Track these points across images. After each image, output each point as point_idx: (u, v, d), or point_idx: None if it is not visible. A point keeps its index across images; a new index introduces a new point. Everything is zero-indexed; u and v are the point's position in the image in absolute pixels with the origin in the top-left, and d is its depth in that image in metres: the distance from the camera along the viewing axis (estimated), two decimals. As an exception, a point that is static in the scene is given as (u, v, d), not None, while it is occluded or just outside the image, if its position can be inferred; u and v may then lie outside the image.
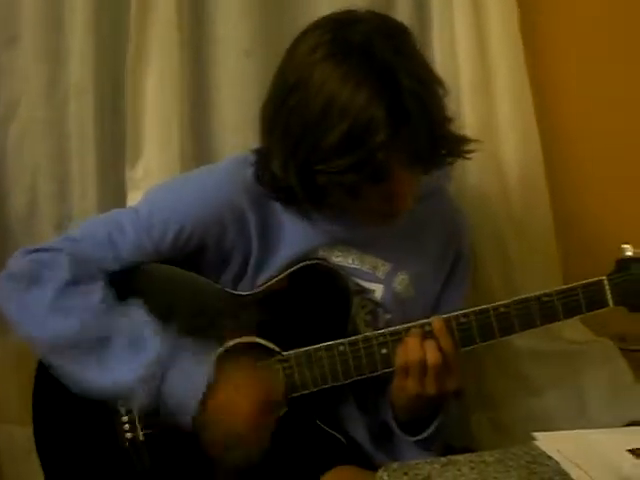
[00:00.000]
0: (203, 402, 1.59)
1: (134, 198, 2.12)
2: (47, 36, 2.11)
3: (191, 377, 1.60)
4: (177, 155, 2.14)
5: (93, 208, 2.16)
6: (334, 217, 1.73)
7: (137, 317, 1.65)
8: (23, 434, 1.94)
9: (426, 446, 1.73)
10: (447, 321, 1.68)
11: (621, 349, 2.27)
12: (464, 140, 1.64)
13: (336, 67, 1.53)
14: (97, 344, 1.61)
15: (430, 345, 1.64)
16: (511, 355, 2.20)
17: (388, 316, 1.79)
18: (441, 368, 1.63)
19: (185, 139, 2.16)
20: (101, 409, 1.69)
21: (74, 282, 1.66)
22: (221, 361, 1.65)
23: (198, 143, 2.20)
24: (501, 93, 2.22)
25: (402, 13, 2.17)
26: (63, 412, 1.74)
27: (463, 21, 2.17)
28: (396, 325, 1.73)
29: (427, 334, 1.66)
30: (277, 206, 1.74)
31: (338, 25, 1.59)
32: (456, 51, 2.18)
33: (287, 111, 1.58)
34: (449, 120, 1.60)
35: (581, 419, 2.18)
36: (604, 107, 2.27)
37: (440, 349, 1.64)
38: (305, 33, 1.62)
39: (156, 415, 1.61)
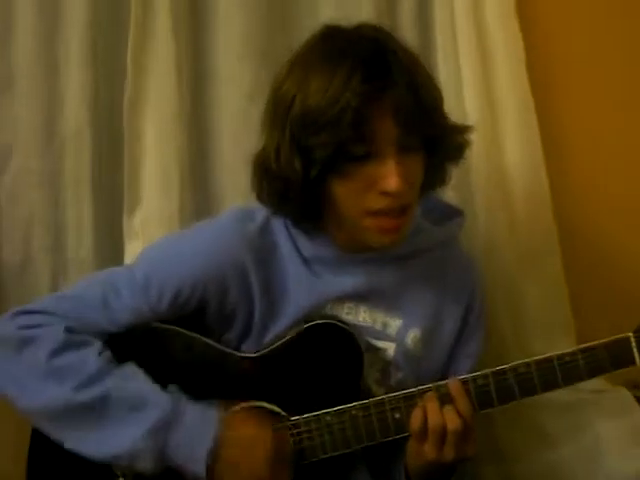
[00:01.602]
0: (210, 460, 1.54)
1: (133, 248, 2.07)
2: (42, 82, 2.07)
3: (196, 436, 1.55)
4: (177, 203, 2.09)
5: (89, 258, 2.11)
6: (345, 270, 1.68)
7: (135, 380, 1.60)
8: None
9: None
10: (465, 383, 1.61)
11: (636, 397, 2.21)
12: (459, 127, 1.65)
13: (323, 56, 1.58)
14: (94, 409, 1.56)
15: (449, 410, 1.58)
16: (524, 405, 2.12)
17: (400, 374, 1.74)
18: (460, 434, 1.57)
19: (185, 186, 2.11)
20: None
21: (67, 346, 1.60)
22: (227, 421, 1.59)
23: (199, 190, 2.15)
24: (510, 133, 2.19)
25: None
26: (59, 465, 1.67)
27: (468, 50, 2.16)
28: (408, 383, 1.68)
29: (443, 397, 1.60)
30: (280, 262, 1.69)
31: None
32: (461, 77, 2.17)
33: (274, 105, 1.63)
34: (438, 101, 1.61)
35: (598, 471, 2.13)
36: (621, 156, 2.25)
37: (459, 414, 1.58)
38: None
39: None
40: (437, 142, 1.61)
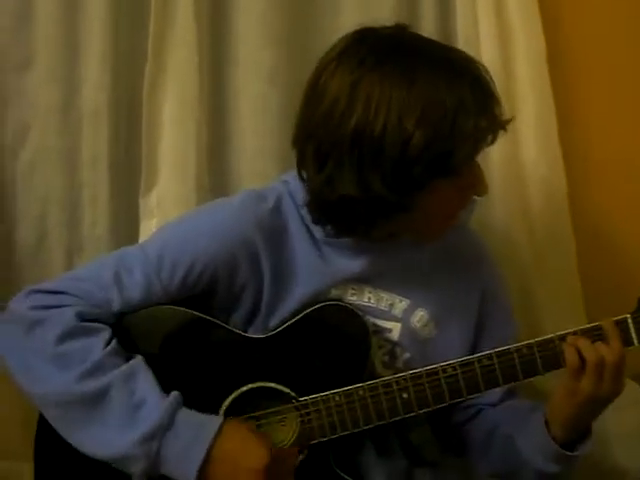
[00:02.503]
0: (200, 476, 1.52)
1: (147, 227, 2.08)
2: (61, 60, 2.07)
3: (189, 449, 1.52)
4: (193, 184, 2.09)
5: (105, 237, 2.12)
6: (351, 251, 1.68)
7: (138, 379, 1.58)
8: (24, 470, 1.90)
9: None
10: (471, 364, 1.62)
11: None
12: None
13: (389, 73, 1.51)
14: (93, 402, 1.54)
15: (604, 345, 1.58)
16: (529, 391, 2.12)
17: (407, 355, 1.73)
18: (617, 366, 1.56)
19: (202, 167, 2.11)
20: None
21: (75, 332, 1.59)
22: (226, 433, 1.56)
23: (215, 172, 2.16)
24: (526, 129, 2.19)
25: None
26: (67, 450, 1.62)
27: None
28: (415, 364, 1.68)
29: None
30: (290, 243, 1.69)
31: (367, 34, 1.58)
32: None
33: (352, 132, 1.51)
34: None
35: (604, 464, 2.12)
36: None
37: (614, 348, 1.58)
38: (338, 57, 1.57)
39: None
40: None
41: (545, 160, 2.21)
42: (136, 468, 1.53)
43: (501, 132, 1.59)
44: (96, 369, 1.55)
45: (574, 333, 1.61)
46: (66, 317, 1.59)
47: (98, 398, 1.54)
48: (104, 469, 1.58)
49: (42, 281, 1.70)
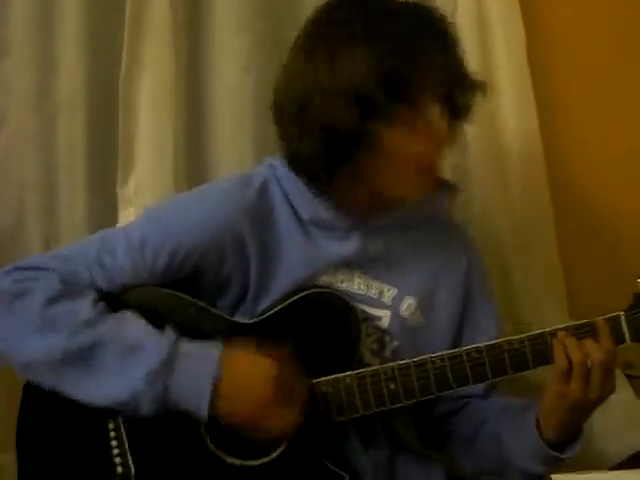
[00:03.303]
0: (213, 397, 1.52)
1: (126, 215, 2.07)
2: (37, 45, 2.05)
3: (197, 375, 1.54)
4: (171, 170, 2.08)
5: (82, 223, 2.11)
6: (340, 235, 1.69)
7: (131, 323, 1.59)
8: (6, 462, 1.87)
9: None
10: (460, 356, 1.62)
11: (627, 376, 2.22)
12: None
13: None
14: (91, 353, 1.55)
15: (591, 344, 1.57)
16: (519, 385, 2.14)
17: (396, 343, 1.73)
18: (605, 366, 1.56)
19: (179, 154, 2.11)
20: (91, 439, 1.63)
21: (61, 296, 1.59)
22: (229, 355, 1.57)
23: (193, 158, 2.15)
24: (506, 100, 2.20)
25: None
26: (49, 440, 1.66)
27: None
28: (403, 353, 1.69)
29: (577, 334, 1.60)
30: (276, 227, 1.69)
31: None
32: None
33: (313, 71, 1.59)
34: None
35: (587, 448, 2.14)
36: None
37: (601, 347, 1.57)
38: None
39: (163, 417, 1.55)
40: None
41: (525, 142, 2.22)
42: (145, 408, 1.53)
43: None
44: (86, 325, 1.56)
45: (565, 329, 1.61)
46: (50, 283, 1.60)
47: (93, 349, 1.55)
48: (88, 456, 1.61)
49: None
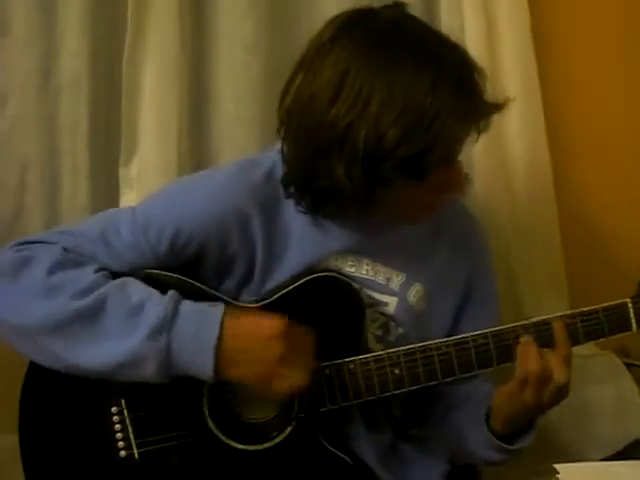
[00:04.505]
0: (217, 354, 1.51)
1: (128, 198, 2.06)
2: (39, 26, 2.03)
3: (202, 317, 1.54)
4: (174, 153, 2.07)
5: (84, 206, 2.09)
6: (349, 223, 1.68)
7: (132, 286, 1.59)
8: (7, 443, 1.83)
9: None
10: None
11: (625, 363, 2.23)
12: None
13: (376, 67, 1.51)
14: (93, 315, 1.54)
15: (555, 359, 1.57)
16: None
17: (401, 330, 1.73)
18: (564, 382, 1.56)
19: (183, 136, 2.10)
20: (94, 423, 1.63)
21: (64, 264, 1.59)
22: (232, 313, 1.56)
23: (196, 141, 2.14)
24: (510, 92, 2.15)
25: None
26: (52, 423, 1.66)
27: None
28: (408, 339, 1.68)
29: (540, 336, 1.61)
30: (285, 210, 1.68)
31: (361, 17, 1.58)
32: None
33: (335, 116, 1.51)
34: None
35: (585, 435, 2.15)
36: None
37: (564, 361, 1.57)
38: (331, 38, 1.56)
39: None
40: None
41: (529, 138, 2.23)
42: (149, 369, 1.53)
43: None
44: (88, 289, 1.56)
45: (525, 328, 1.62)
46: (53, 252, 1.60)
47: (95, 311, 1.54)
48: (91, 440, 1.62)
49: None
